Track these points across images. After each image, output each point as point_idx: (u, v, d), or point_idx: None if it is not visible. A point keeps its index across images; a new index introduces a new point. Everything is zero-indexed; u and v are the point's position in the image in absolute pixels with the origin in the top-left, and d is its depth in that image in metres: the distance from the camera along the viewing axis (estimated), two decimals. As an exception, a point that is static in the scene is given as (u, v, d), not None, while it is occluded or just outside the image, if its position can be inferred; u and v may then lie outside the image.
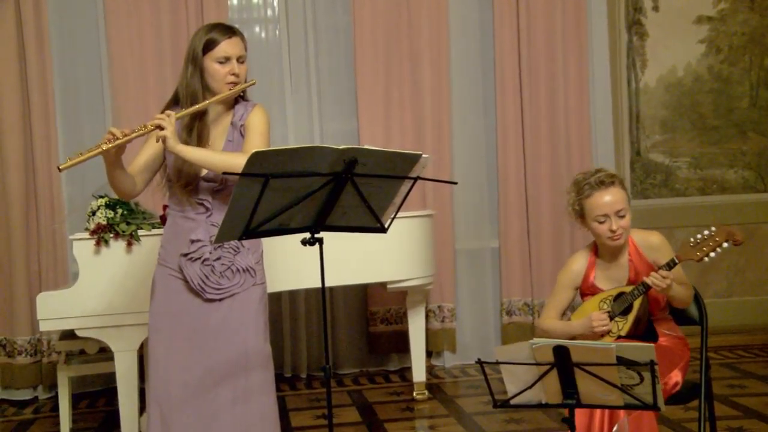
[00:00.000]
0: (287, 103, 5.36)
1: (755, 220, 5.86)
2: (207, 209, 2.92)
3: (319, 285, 2.60)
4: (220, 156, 2.82)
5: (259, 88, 5.30)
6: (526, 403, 2.45)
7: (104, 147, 2.70)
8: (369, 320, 5.42)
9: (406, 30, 5.31)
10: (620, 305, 3.00)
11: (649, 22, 5.79)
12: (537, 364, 2.36)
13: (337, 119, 5.44)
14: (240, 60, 2.93)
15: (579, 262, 3.17)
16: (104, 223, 3.89)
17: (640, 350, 2.28)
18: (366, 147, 2.45)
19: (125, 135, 2.74)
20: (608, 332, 2.98)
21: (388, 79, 5.30)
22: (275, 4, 5.40)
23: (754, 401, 4.33)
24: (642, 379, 2.30)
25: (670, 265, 2.90)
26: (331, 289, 5.18)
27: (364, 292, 5.42)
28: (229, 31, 2.94)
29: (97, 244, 3.86)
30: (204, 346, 2.90)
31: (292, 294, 5.27)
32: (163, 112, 2.97)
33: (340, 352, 5.44)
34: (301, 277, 4.05)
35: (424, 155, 2.51)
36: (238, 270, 2.92)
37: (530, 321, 5.41)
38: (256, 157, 2.32)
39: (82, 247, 3.88)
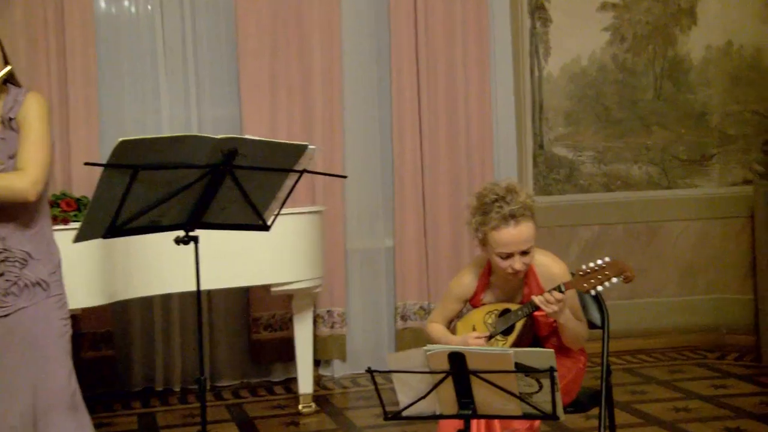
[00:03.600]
0: (161, 86, 5.25)
1: (658, 218, 6.00)
2: None
3: (195, 288, 2.57)
4: None
5: (129, 69, 5.23)
6: (419, 415, 2.48)
7: None
8: (251, 327, 5.38)
9: (294, 10, 5.28)
10: (503, 323, 2.98)
11: (552, 7, 5.88)
12: (431, 372, 2.39)
13: (217, 105, 5.37)
14: None
15: (470, 278, 3.12)
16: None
17: (539, 356, 2.34)
18: (247, 137, 2.44)
19: None
20: None
21: (274, 62, 5.26)
22: (147, -25, 5.28)
23: (655, 407, 4.53)
24: (541, 386, 2.36)
25: (559, 290, 2.85)
26: (209, 292, 5.11)
27: (245, 296, 5.38)
28: None
29: None
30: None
31: (165, 298, 5.18)
32: None
33: (218, 362, 5.38)
34: (174, 279, 3.98)
35: (310, 146, 2.52)
36: (26, 285, 2.77)
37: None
38: (123, 146, 2.28)
39: None
